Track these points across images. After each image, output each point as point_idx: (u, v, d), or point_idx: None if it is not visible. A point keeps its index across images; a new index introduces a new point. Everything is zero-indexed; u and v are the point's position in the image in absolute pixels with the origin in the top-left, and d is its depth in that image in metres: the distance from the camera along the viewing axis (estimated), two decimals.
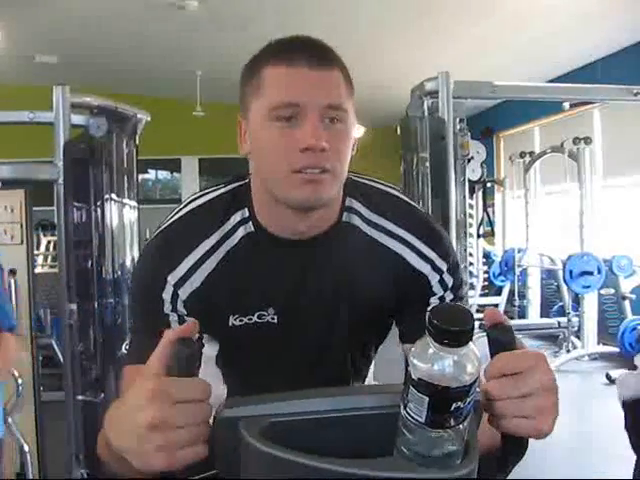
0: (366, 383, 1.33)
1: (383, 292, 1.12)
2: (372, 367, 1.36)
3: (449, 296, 1.12)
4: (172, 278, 1.05)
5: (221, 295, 1.07)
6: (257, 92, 1.00)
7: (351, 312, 1.13)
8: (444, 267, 1.11)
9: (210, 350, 1.13)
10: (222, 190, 1.13)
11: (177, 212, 1.12)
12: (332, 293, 1.11)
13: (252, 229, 1.09)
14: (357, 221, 1.11)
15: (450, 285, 1.12)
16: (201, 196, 1.13)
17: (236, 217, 1.09)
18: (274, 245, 1.08)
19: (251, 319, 1.10)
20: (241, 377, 1.06)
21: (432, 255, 1.10)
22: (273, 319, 1.10)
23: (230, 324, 1.09)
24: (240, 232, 1.09)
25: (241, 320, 1.09)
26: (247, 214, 1.09)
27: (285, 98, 0.97)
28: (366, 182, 1.16)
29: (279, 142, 0.98)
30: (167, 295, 1.05)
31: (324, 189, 0.99)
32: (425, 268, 1.10)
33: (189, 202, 1.13)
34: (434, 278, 1.11)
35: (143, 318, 1.08)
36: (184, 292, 1.05)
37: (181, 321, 1.05)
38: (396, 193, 1.17)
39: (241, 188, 1.12)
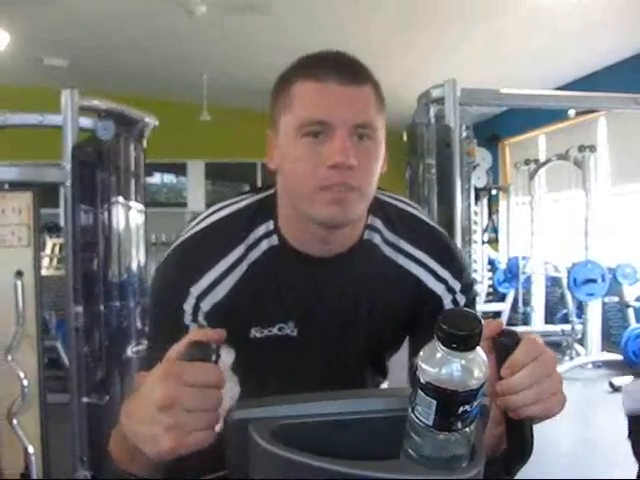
0: None
1: (398, 310, 1.13)
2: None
3: None
4: (195, 290, 1.04)
5: (243, 307, 1.07)
6: (286, 108, 1.00)
7: (367, 328, 1.14)
8: (457, 287, 1.13)
9: (227, 358, 1.13)
10: (248, 201, 1.13)
11: (200, 222, 1.11)
12: (350, 310, 1.12)
13: (276, 242, 1.09)
14: (377, 240, 1.12)
15: (462, 304, 1.13)
16: (225, 207, 1.12)
17: (260, 229, 1.09)
18: (297, 260, 1.08)
19: (271, 331, 1.10)
20: (257, 386, 1.07)
21: (446, 275, 1.12)
22: (293, 332, 1.10)
23: (251, 336, 1.09)
24: (264, 245, 1.09)
25: (262, 332, 1.10)
26: (272, 227, 1.09)
27: (314, 115, 0.96)
28: (388, 200, 1.16)
29: (307, 158, 0.97)
30: (188, 307, 1.05)
31: (350, 208, 0.99)
32: (439, 288, 1.12)
33: (213, 212, 1.12)
34: (447, 298, 1.12)
35: (162, 328, 1.08)
36: (206, 304, 1.05)
37: None
38: (415, 212, 1.18)
39: (267, 200, 1.12)
